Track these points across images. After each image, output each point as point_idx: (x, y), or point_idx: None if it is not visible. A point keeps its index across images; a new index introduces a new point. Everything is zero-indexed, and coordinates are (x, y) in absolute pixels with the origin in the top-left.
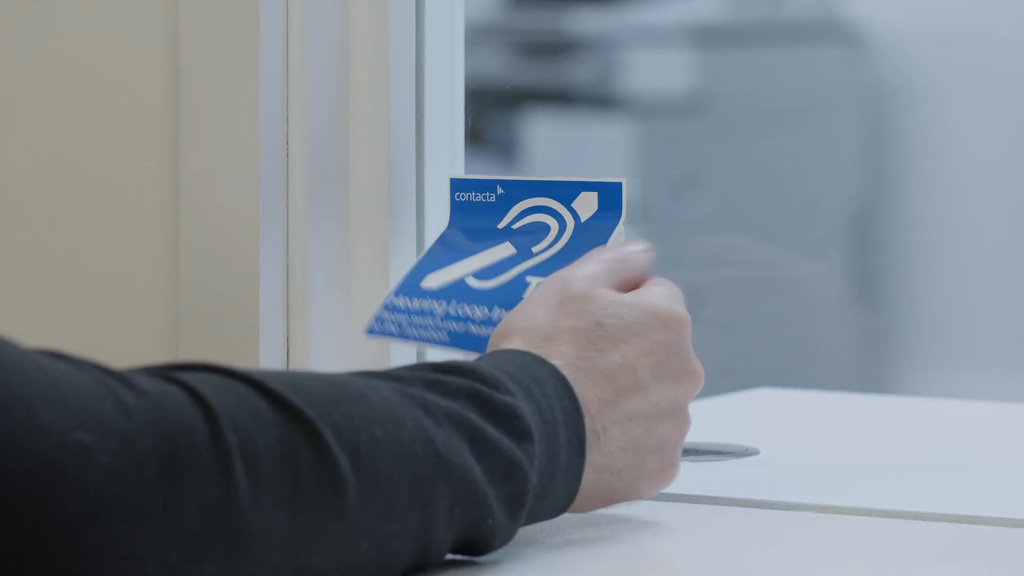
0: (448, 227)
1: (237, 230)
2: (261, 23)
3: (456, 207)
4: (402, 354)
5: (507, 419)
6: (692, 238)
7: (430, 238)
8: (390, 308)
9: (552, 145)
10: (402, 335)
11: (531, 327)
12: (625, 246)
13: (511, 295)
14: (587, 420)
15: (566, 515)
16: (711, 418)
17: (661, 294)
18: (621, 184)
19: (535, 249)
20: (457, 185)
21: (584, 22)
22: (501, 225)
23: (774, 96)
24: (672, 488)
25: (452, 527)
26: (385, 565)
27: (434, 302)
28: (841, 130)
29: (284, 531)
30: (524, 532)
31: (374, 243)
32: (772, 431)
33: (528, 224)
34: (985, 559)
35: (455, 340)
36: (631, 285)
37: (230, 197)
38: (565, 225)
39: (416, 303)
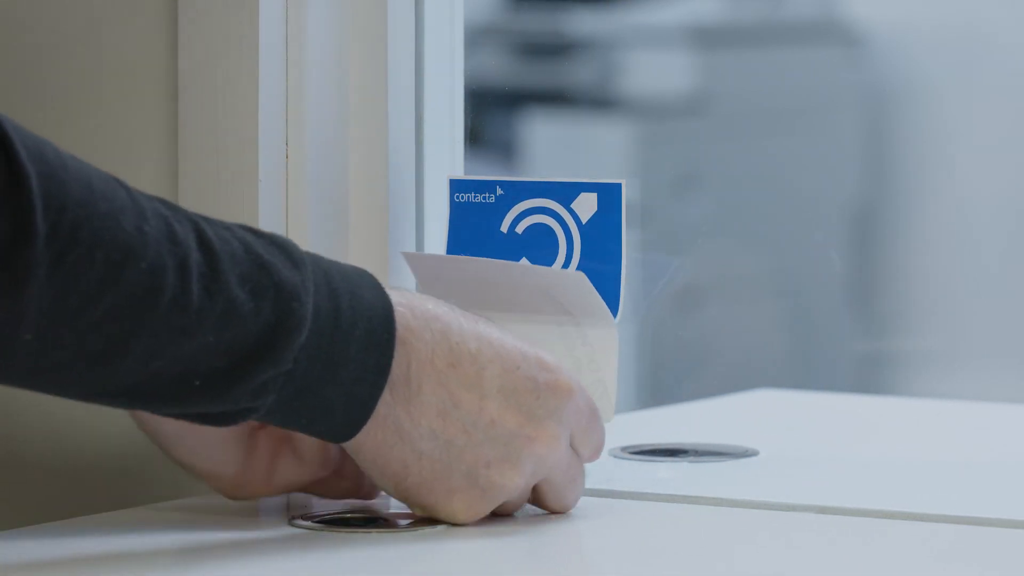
0: (450, 233)
1: None
2: (261, 23)
3: (456, 208)
4: None
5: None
6: (692, 238)
7: (430, 238)
8: None
9: (552, 145)
10: None
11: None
12: None
13: None
14: (402, 361)
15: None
16: (711, 418)
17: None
18: (621, 185)
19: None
20: (457, 186)
21: (584, 22)
22: (504, 228)
23: (774, 96)
24: (672, 488)
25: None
26: None
27: None
28: (841, 130)
29: None
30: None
31: (374, 243)
32: (772, 431)
33: (530, 227)
34: (985, 559)
35: None
36: None
37: (230, 197)
38: (567, 227)
39: None
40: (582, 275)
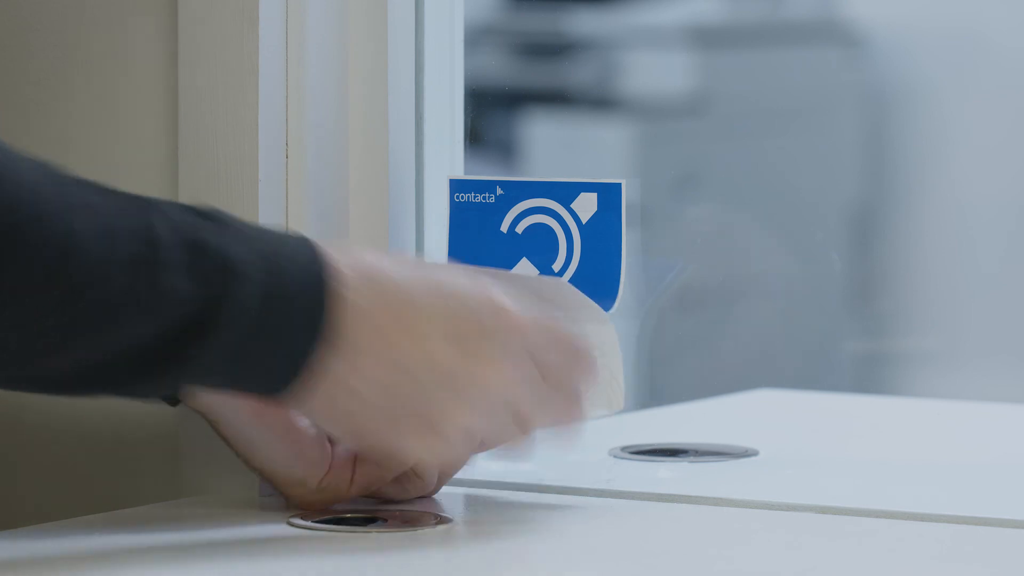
0: (450, 233)
1: None
2: (261, 23)
3: (456, 208)
4: None
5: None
6: (692, 238)
7: (430, 238)
8: None
9: (552, 145)
10: None
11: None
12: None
13: None
14: (342, 319)
15: (569, 509)
16: (711, 418)
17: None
18: (621, 185)
19: (555, 268)
20: (457, 186)
21: (584, 22)
22: (504, 228)
23: (774, 96)
24: (672, 488)
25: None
26: None
27: None
28: (841, 130)
29: None
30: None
31: (374, 243)
32: (772, 431)
33: (530, 227)
34: (985, 559)
35: None
36: None
37: (230, 197)
38: (567, 227)
39: None
40: (564, 280)
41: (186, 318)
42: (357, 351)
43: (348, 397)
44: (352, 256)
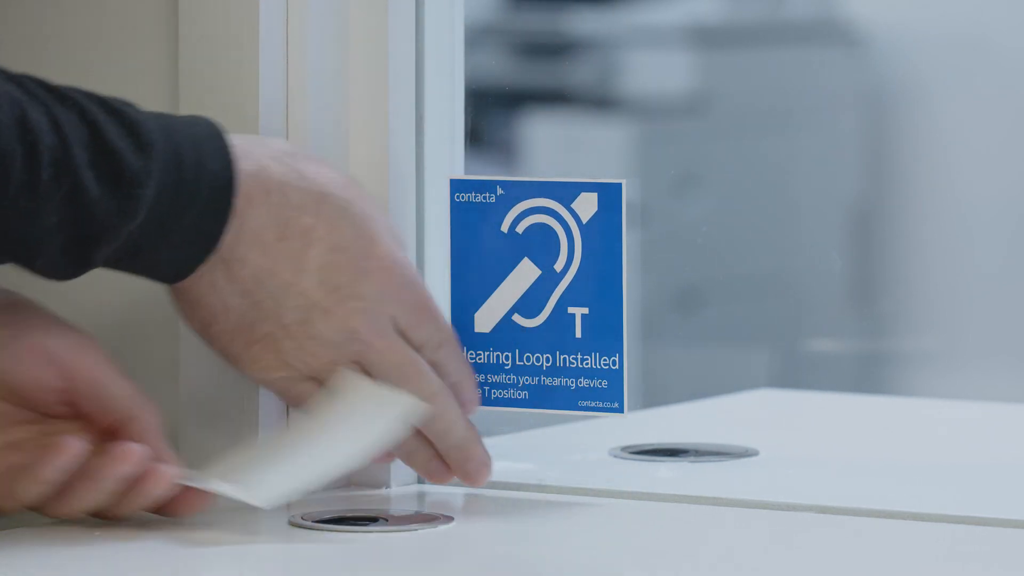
0: (451, 233)
1: None
2: (261, 23)
3: (456, 207)
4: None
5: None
6: (692, 238)
7: (430, 238)
8: None
9: (552, 145)
10: (486, 402)
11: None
12: None
13: (564, 335)
14: (233, 229)
15: (570, 509)
16: (711, 418)
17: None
18: (621, 185)
19: (557, 268)
20: (457, 186)
21: (584, 22)
22: (504, 228)
23: (774, 96)
24: (672, 488)
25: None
26: None
27: (499, 353)
28: (841, 130)
29: None
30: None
31: None
32: (772, 431)
33: (531, 226)
34: (985, 559)
35: (535, 400)
36: None
37: None
38: (568, 227)
39: (482, 356)
40: None
41: (97, 224)
42: (239, 263)
43: (212, 294)
44: (260, 166)
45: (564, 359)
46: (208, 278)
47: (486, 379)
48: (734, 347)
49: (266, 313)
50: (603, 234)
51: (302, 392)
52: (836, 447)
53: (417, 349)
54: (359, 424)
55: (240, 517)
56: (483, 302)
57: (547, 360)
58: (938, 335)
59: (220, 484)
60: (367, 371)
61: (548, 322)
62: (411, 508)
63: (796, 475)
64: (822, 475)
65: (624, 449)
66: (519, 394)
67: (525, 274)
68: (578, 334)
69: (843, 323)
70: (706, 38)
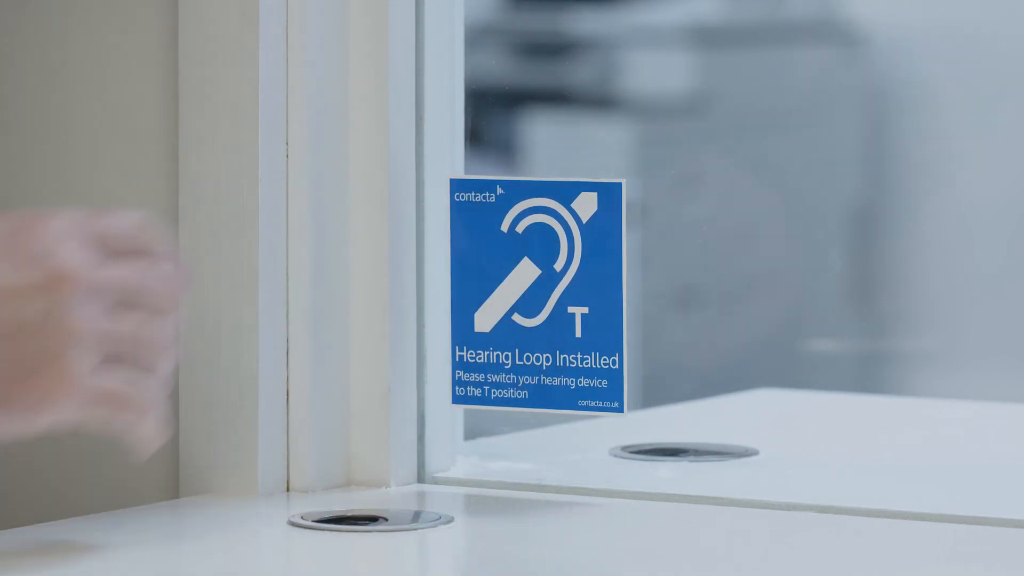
0: (451, 233)
1: (237, 230)
2: (261, 23)
3: (456, 207)
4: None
5: None
6: (692, 238)
7: (430, 238)
8: (461, 367)
9: (552, 145)
10: (486, 401)
11: None
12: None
13: (563, 335)
14: None
15: (570, 509)
16: (711, 418)
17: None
18: (621, 184)
19: (557, 267)
20: (457, 185)
21: (584, 22)
22: (504, 227)
23: (774, 96)
24: (672, 488)
25: None
26: None
27: (499, 353)
28: (841, 130)
29: None
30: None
31: (374, 243)
32: (772, 431)
33: (531, 226)
34: (985, 559)
35: (535, 399)
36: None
37: (230, 197)
38: (568, 226)
39: (483, 356)
40: None
41: None
42: None
43: None
44: None
45: (564, 359)
46: None
47: (486, 379)
48: (734, 347)
49: None
50: (603, 234)
51: None
52: (836, 447)
53: None
54: None
55: (240, 517)
56: (483, 302)
57: (547, 360)
58: (938, 335)
59: None
60: None
61: (548, 322)
62: (411, 508)
63: (796, 475)
64: (822, 475)
65: (624, 449)
66: (519, 394)
67: (525, 274)
68: (578, 334)
69: (843, 323)
70: (706, 38)
